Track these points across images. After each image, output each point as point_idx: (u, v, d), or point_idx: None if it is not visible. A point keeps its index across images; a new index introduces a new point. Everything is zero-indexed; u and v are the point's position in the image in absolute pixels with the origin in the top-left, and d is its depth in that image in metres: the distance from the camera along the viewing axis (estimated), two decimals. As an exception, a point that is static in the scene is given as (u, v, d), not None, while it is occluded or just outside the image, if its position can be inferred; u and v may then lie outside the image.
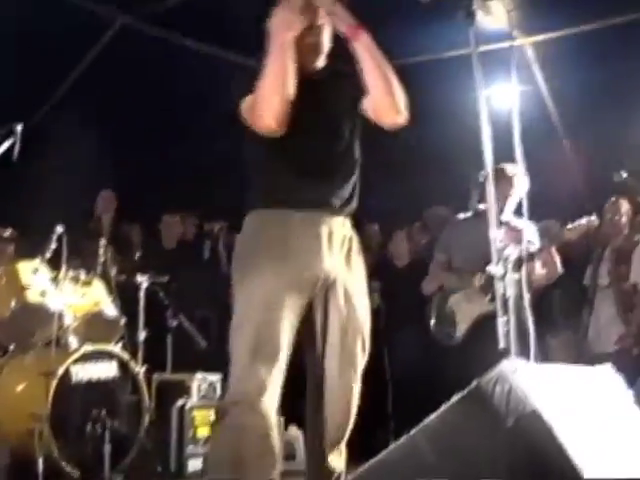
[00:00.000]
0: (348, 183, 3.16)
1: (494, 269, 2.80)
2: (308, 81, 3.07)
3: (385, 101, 3.04)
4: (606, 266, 6.10)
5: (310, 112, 3.05)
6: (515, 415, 2.03)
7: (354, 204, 3.19)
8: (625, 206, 5.99)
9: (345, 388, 3.10)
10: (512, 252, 2.77)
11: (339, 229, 3.12)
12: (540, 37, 6.61)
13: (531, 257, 5.19)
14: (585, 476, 1.97)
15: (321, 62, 3.18)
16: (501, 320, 2.74)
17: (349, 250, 3.16)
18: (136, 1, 6.54)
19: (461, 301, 5.40)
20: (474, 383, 2.10)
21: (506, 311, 2.74)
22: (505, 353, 2.52)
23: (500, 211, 5.23)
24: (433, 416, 2.15)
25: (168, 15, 6.60)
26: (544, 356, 5.01)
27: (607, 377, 2.51)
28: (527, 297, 2.70)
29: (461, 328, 5.37)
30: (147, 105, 7.04)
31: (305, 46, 3.06)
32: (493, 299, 3.00)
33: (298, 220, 3.05)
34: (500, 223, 5.11)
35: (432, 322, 5.54)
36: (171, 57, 6.86)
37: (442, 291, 5.54)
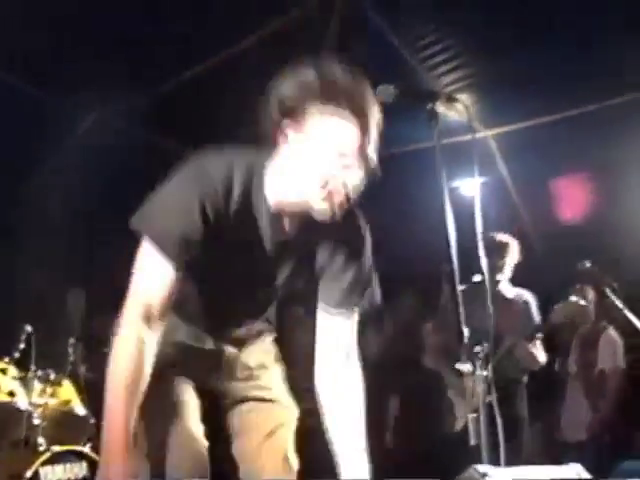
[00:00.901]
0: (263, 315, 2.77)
1: (462, 366, 2.82)
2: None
3: None
4: (574, 354, 6.17)
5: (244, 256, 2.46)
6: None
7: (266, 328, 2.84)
8: (591, 293, 6.08)
9: None
10: (481, 349, 2.79)
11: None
12: (501, 129, 6.79)
13: (531, 338, 5.21)
14: None
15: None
16: (471, 417, 2.75)
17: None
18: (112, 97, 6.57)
19: (458, 395, 5.36)
20: None
21: (476, 408, 2.76)
22: (474, 456, 2.51)
23: (496, 282, 5.28)
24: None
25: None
26: (517, 449, 5.01)
27: (577, 475, 2.45)
28: (494, 395, 2.70)
29: (460, 423, 5.33)
30: (117, 200, 7.05)
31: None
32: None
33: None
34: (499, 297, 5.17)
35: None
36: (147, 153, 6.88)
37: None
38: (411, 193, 6.64)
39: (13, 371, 5.12)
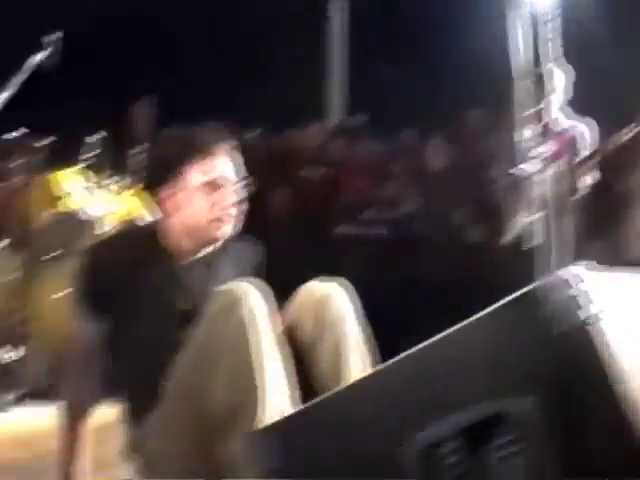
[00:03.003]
0: None
1: (527, 167, 2.79)
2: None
3: None
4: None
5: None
6: (567, 325, 1.70)
7: None
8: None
9: None
10: (543, 150, 2.75)
11: None
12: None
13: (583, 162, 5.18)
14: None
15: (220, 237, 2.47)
16: (536, 218, 2.73)
17: None
18: None
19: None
20: (529, 287, 1.74)
21: (542, 208, 2.73)
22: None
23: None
24: (465, 323, 1.80)
25: None
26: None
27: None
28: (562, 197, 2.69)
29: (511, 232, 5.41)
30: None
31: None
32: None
33: None
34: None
35: None
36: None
37: None
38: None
39: (82, 179, 5.13)
